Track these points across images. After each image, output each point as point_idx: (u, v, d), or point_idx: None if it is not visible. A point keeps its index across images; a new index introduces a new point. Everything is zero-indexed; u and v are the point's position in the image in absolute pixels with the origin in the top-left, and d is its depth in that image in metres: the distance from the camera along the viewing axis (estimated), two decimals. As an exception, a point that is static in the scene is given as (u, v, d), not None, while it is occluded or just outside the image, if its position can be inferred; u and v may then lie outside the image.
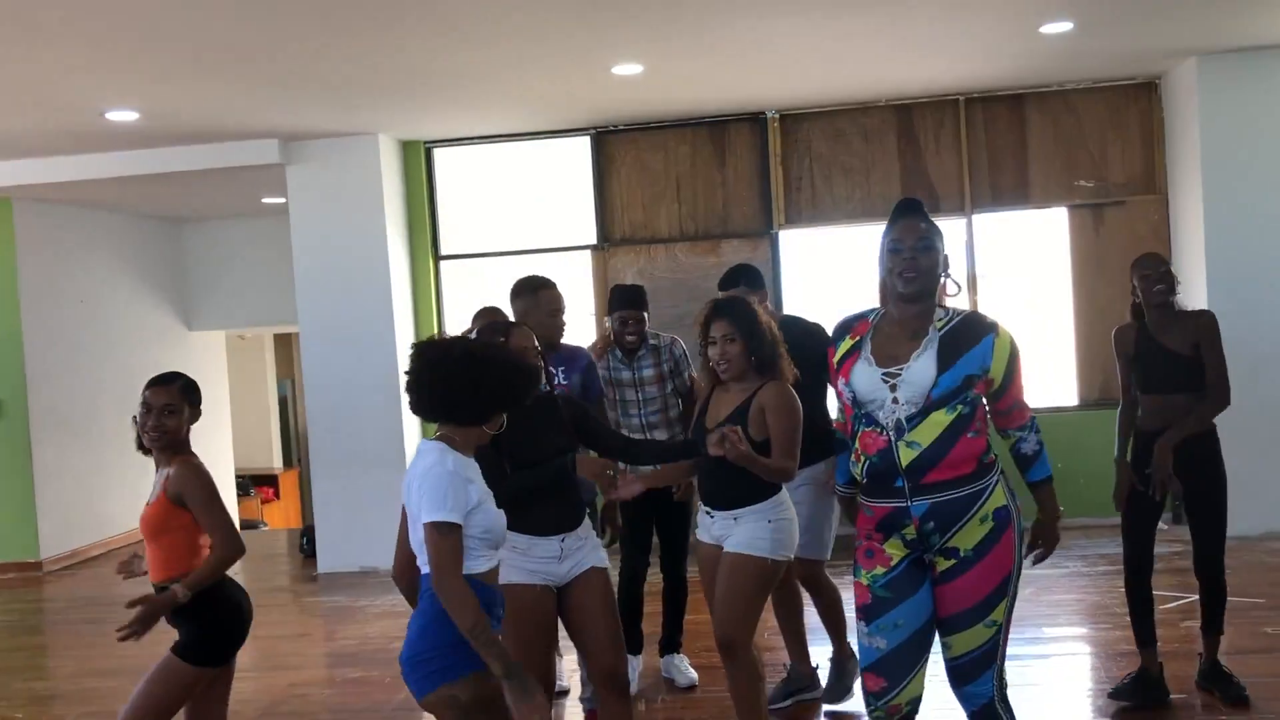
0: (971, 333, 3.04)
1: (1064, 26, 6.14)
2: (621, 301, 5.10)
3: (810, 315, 4.93)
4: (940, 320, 3.05)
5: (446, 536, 2.75)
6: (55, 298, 9.14)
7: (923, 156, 8.05)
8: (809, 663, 4.84)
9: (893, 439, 2.99)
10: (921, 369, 2.98)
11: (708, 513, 3.89)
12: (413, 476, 2.86)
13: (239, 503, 12.07)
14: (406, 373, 2.94)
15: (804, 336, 4.39)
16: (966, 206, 7.99)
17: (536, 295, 4.67)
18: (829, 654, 4.82)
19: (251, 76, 6.28)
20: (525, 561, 3.55)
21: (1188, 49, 7.00)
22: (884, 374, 3.01)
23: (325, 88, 6.65)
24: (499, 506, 2.97)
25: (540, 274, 4.90)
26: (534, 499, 3.54)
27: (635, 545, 5.11)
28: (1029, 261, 8.06)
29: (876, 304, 3.22)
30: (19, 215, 8.76)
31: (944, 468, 2.98)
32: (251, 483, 13.22)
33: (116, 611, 7.28)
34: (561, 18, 5.50)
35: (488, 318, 5.58)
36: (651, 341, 5.11)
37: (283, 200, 9.43)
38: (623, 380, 5.12)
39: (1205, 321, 4.45)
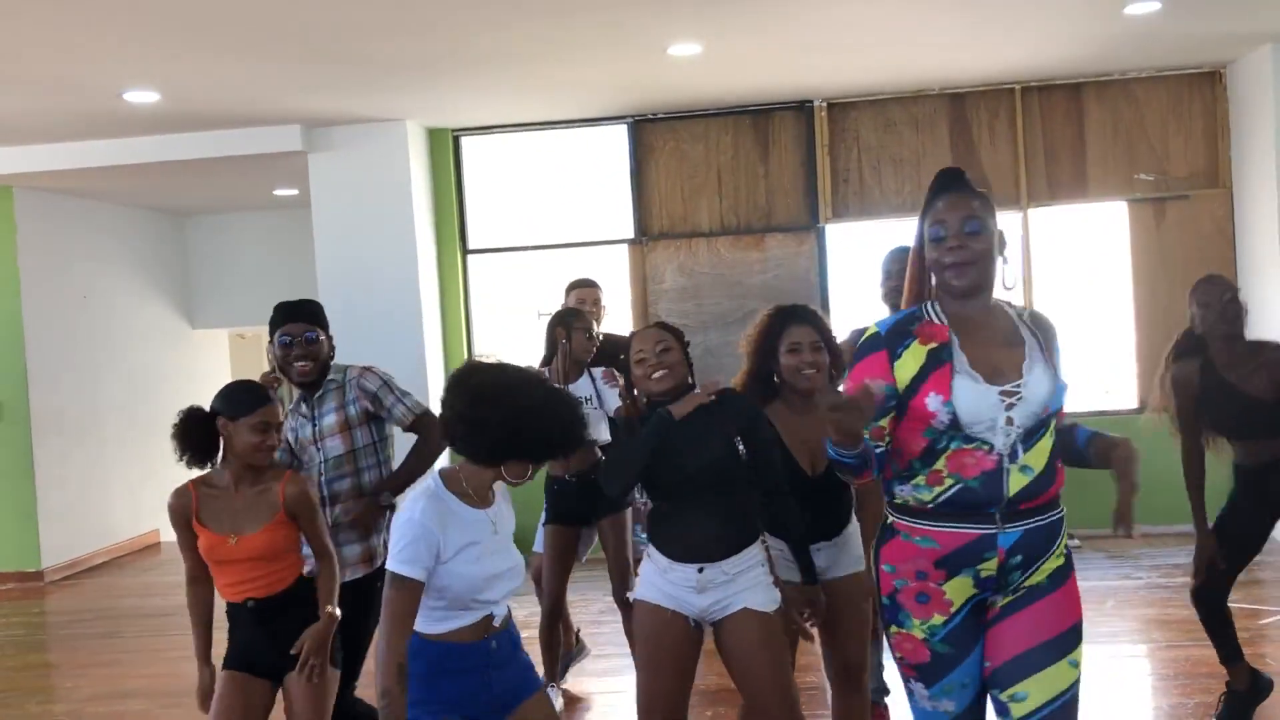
0: (1041, 321, 2.66)
1: (1151, 7, 5.81)
2: (283, 315, 3.78)
3: (855, 314, 4.62)
4: (1020, 317, 2.61)
5: (398, 590, 2.60)
6: (57, 293, 8.67)
7: (976, 148, 7.71)
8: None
9: (1005, 462, 2.47)
10: (1039, 383, 2.51)
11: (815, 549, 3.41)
12: None
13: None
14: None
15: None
16: (1022, 200, 7.66)
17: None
18: None
19: (276, 56, 5.89)
20: (662, 583, 3.17)
21: (1264, 35, 6.68)
22: (1001, 392, 2.48)
23: (353, 69, 6.27)
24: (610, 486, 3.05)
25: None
26: (673, 516, 3.16)
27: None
28: (1087, 258, 7.74)
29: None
30: (20, 205, 8.29)
31: (1045, 495, 2.53)
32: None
33: (129, 625, 6.96)
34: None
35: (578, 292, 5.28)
36: (331, 377, 3.79)
37: (295, 192, 9.04)
38: (305, 436, 3.80)
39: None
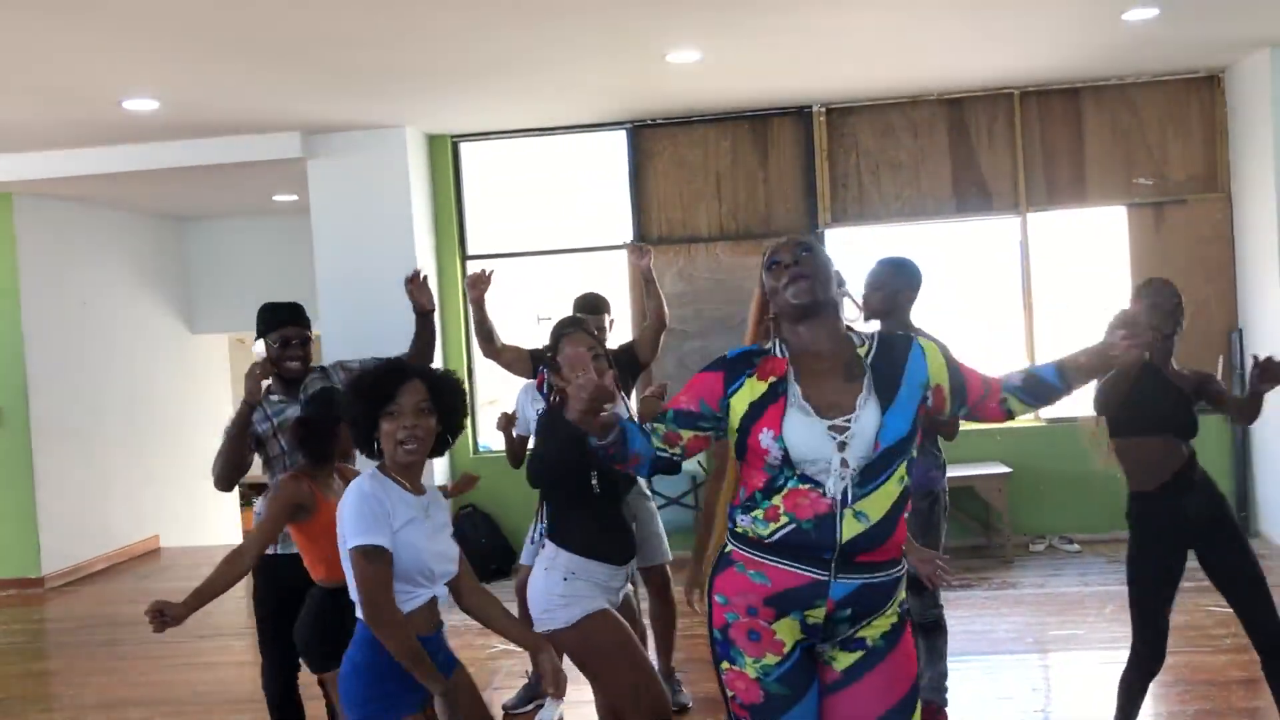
0: (896, 348, 2.55)
1: (1149, 13, 5.83)
2: (277, 318, 4.14)
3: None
4: (863, 347, 2.54)
5: (371, 561, 2.69)
6: (57, 299, 8.68)
7: (975, 153, 7.72)
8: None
9: (838, 507, 2.40)
10: (869, 416, 2.43)
11: None
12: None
13: (241, 514, 11.61)
14: None
15: None
16: (1021, 205, 7.67)
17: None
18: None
19: (275, 63, 5.90)
20: (604, 590, 3.45)
21: (1261, 40, 6.70)
22: (830, 427, 2.41)
23: (352, 76, 6.28)
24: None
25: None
26: (607, 524, 3.48)
27: None
28: (1086, 262, 7.74)
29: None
30: (20, 212, 8.31)
31: (883, 549, 2.45)
32: (252, 492, 12.76)
33: (129, 632, 6.97)
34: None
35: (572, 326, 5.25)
36: (313, 367, 4.21)
37: (295, 198, 9.05)
38: (291, 424, 4.01)
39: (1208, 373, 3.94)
